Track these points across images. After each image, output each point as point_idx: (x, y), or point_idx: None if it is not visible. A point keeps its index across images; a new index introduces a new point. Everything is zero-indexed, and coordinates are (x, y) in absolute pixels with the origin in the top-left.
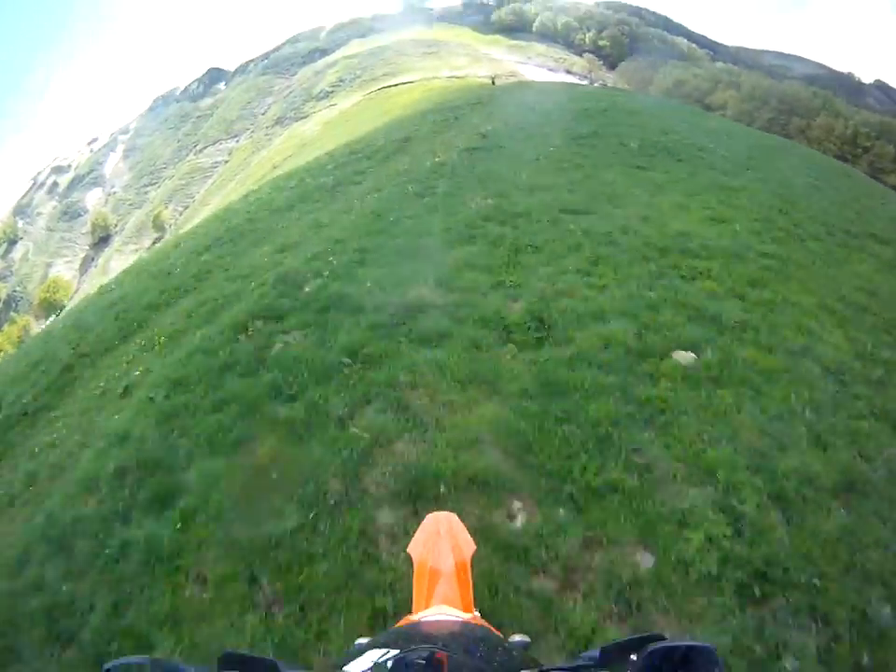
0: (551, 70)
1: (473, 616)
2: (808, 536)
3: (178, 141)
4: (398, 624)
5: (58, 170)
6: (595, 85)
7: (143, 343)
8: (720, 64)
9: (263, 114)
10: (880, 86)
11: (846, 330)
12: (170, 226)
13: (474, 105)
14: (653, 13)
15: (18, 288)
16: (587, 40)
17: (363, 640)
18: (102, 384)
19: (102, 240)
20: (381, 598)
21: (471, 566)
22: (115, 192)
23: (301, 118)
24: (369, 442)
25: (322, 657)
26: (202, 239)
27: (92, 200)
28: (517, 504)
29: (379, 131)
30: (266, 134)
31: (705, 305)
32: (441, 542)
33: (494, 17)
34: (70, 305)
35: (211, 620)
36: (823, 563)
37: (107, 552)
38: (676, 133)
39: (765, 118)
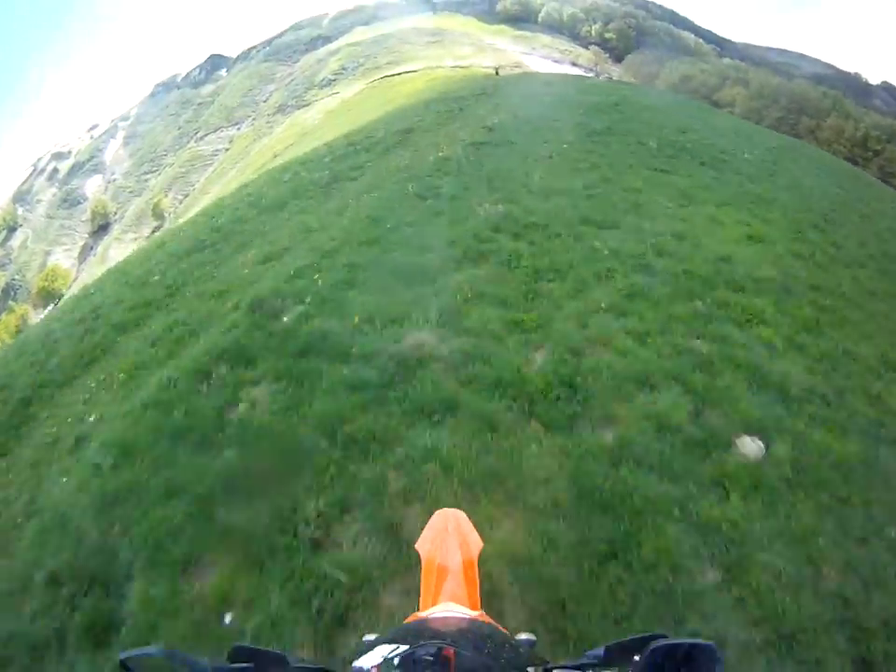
0: (556, 62)
1: (480, 613)
2: None
3: (179, 128)
4: (405, 621)
5: (58, 156)
6: (602, 78)
7: (102, 377)
8: (727, 60)
9: (265, 101)
10: (887, 87)
11: None
12: (169, 214)
13: (479, 96)
14: (660, 6)
15: (17, 277)
16: (593, 32)
17: (371, 636)
18: (54, 429)
19: (101, 228)
20: None
21: (478, 563)
22: (115, 179)
23: (303, 105)
24: (348, 588)
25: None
26: (185, 242)
27: (92, 187)
28: None
29: (380, 121)
30: (267, 122)
31: (765, 365)
32: (449, 539)
33: (499, 6)
34: (67, 294)
35: None
36: None
37: None
38: (694, 131)
39: (774, 116)
